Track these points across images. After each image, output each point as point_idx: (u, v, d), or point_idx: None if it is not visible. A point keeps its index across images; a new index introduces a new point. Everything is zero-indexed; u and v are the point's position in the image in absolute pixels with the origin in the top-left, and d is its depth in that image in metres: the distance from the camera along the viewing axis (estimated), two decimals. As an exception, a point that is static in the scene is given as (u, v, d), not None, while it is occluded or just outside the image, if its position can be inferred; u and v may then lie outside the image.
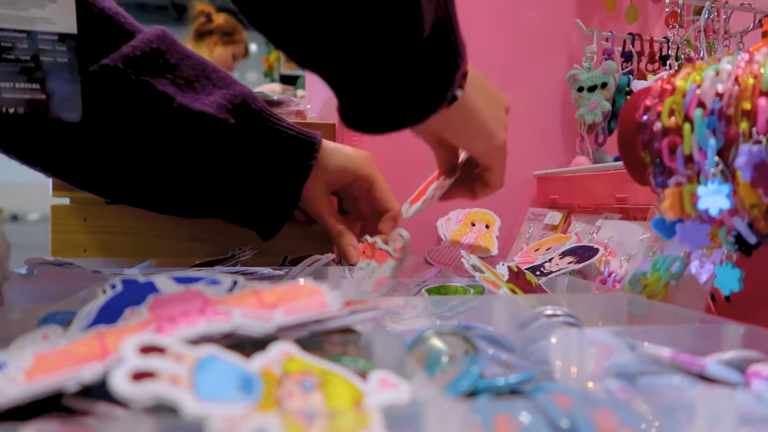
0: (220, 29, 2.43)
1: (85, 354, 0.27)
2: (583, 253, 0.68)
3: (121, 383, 0.23)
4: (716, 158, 0.42)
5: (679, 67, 0.82)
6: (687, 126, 0.43)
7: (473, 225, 0.94)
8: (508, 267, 0.57)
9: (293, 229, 0.82)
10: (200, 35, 2.44)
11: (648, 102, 0.48)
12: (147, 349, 0.25)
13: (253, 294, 0.34)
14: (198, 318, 0.30)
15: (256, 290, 0.34)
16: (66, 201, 0.85)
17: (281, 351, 0.27)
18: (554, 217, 0.92)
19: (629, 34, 1.03)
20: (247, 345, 0.30)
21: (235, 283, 0.37)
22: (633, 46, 1.03)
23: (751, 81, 0.40)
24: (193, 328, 0.29)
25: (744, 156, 0.39)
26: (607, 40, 1.02)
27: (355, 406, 0.25)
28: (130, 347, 0.25)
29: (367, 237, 0.70)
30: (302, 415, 0.23)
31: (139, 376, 0.23)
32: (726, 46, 0.95)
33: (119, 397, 0.23)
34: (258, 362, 0.26)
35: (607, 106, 0.98)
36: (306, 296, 0.34)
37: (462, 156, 0.71)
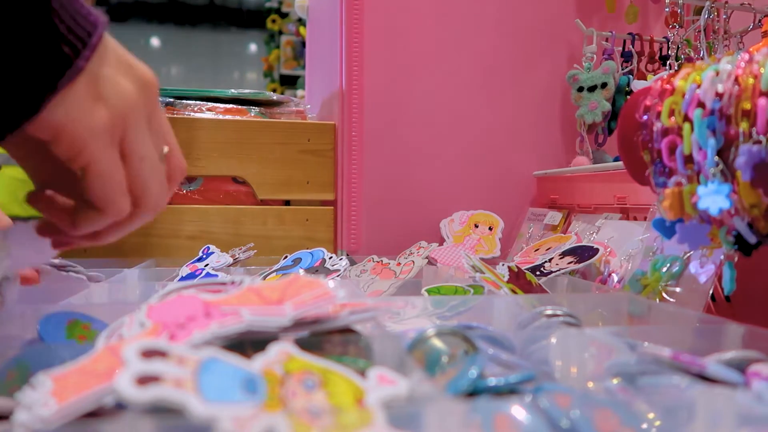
0: None
1: (105, 369, 0.27)
2: (583, 253, 0.68)
3: (126, 387, 0.23)
4: (716, 158, 0.42)
5: (679, 67, 0.82)
6: (687, 126, 0.43)
7: (476, 227, 0.94)
8: (509, 267, 0.57)
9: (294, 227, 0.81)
10: None
11: (648, 102, 0.48)
12: (149, 354, 0.25)
13: (253, 292, 0.34)
14: (208, 321, 0.30)
15: (254, 288, 0.34)
16: (66, 201, 0.85)
17: (281, 351, 0.27)
18: (554, 217, 0.92)
19: (629, 34, 1.03)
20: (246, 346, 0.30)
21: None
22: (633, 46, 1.02)
23: (751, 81, 0.40)
24: (207, 331, 0.29)
25: (744, 156, 0.39)
26: (607, 40, 1.01)
27: (357, 403, 0.25)
28: (132, 352, 0.25)
29: (374, 257, 0.70)
30: (308, 413, 0.23)
31: (144, 380, 0.23)
32: (726, 46, 0.95)
33: (125, 401, 0.23)
34: (259, 363, 0.26)
35: (607, 106, 0.98)
36: (307, 288, 0.34)
37: None
